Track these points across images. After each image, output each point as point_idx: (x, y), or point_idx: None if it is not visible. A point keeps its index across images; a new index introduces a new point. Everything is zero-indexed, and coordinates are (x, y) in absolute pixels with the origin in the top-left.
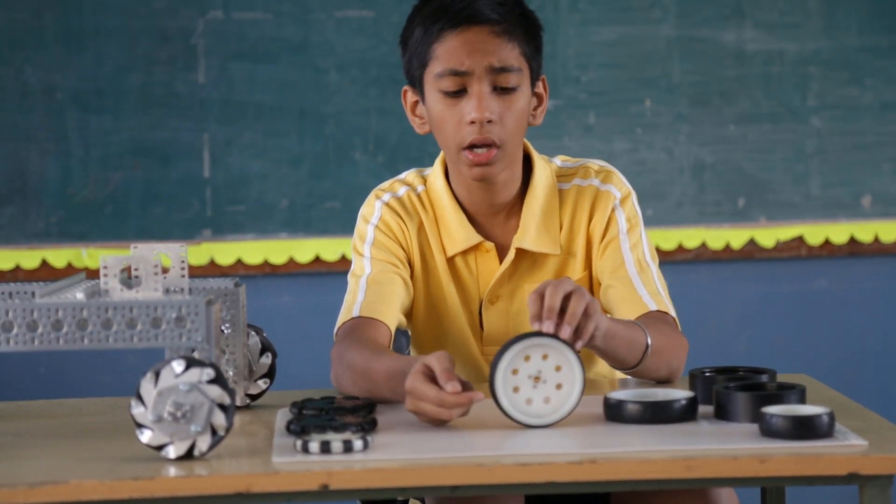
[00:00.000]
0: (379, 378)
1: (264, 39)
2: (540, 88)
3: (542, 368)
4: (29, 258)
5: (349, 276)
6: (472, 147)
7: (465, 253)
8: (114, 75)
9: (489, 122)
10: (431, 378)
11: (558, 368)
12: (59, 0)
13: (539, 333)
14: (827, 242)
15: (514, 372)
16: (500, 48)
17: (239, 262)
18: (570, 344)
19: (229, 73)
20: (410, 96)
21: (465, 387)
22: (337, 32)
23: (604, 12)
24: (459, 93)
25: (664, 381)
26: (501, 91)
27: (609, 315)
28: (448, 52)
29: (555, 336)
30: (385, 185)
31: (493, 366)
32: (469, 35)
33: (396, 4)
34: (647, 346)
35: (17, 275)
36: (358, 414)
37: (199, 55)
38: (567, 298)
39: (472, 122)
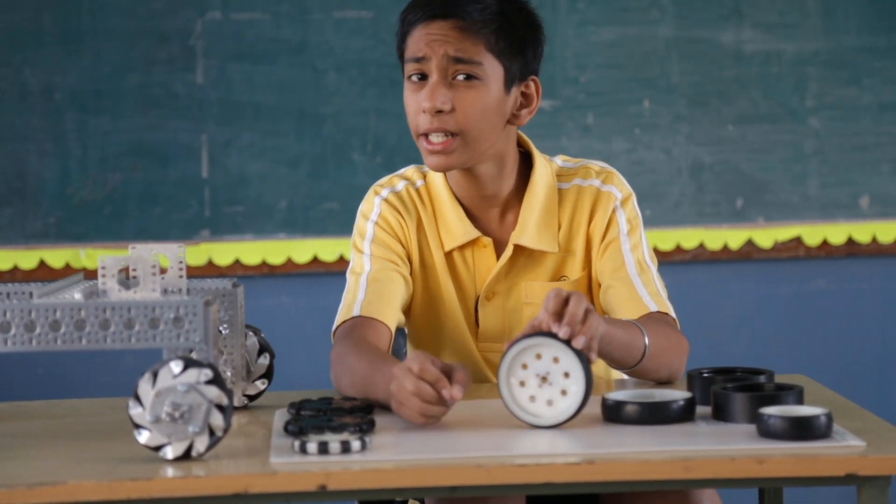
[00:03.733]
0: (379, 393)
1: (263, 40)
2: (531, 89)
3: (550, 370)
4: (27, 258)
5: (348, 274)
6: (427, 135)
7: (462, 248)
8: (112, 76)
9: (440, 111)
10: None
11: (567, 375)
12: (58, 1)
13: (553, 336)
14: (825, 243)
15: (524, 366)
16: (460, 41)
17: (237, 262)
18: (582, 353)
19: (228, 73)
20: None
21: (454, 374)
22: (335, 33)
23: (602, 13)
24: (422, 81)
25: (665, 382)
26: (461, 82)
27: (607, 315)
28: (413, 42)
29: (567, 342)
30: (383, 180)
31: (503, 356)
32: (433, 27)
33: (395, 5)
34: (645, 347)
35: (14, 275)
36: (356, 415)
37: (197, 56)
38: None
39: (425, 111)
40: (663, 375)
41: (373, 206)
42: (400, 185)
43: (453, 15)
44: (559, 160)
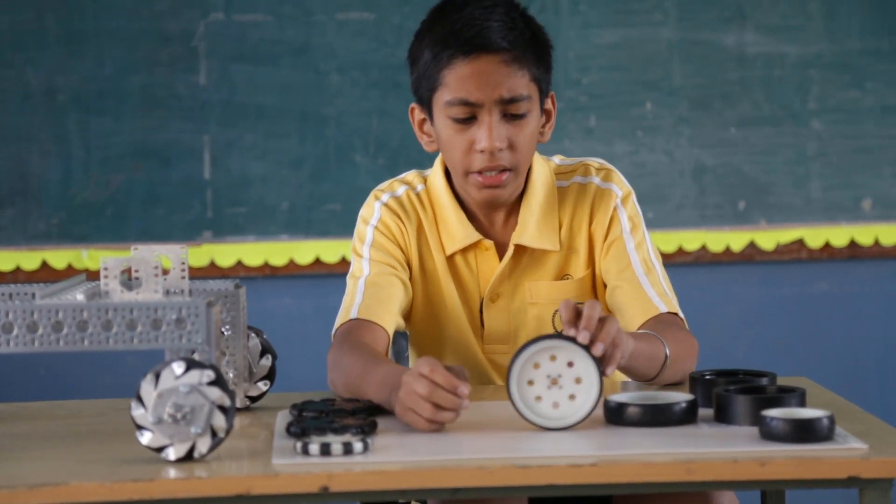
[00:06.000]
0: (371, 393)
1: (265, 41)
2: (549, 105)
3: (562, 373)
4: (29, 259)
5: (348, 278)
6: (481, 171)
7: (464, 251)
8: (115, 77)
9: (499, 150)
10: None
11: (578, 380)
12: (61, 2)
13: (573, 340)
14: (827, 245)
15: (536, 366)
16: (509, 78)
17: (239, 263)
18: (599, 362)
19: (230, 74)
20: (418, 114)
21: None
22: (338, 34)
23: (605, 15)
24: (469, 120)
25: (676, 384)
26: (512, 118)
27: (616, 316)
28: (458, 80)
29: (587, 349)
30: (384, 185)
31: (517, 353)
32: (479, 64)
33: (397, 7)
34: (667, 357)
35: (17, 276)
36: (358, 416)
37: (200, 57)
38: (600, 321)
39: (482, 151)
40: (677, 379)
41: (373, 211)
42: (401, 190)
43: (497, 47)
44: (557, 159)
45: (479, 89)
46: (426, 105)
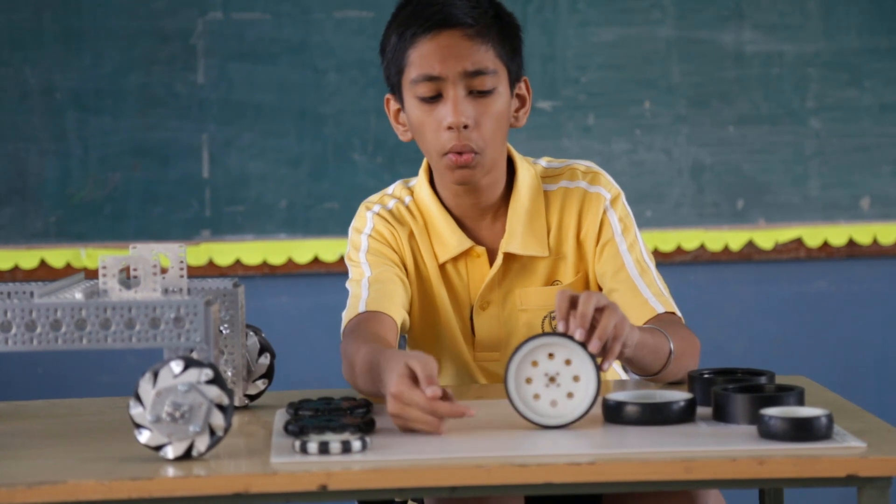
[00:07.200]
0: (361, 370)
1: (263, 40)
2: (522, 90)
3: (560, 371)
4: (28, 258)
5: (348, 284)
6: (451, 151)
7: (456, 259)
8: (113, 75)
9: (465, 126)
10: (416, 381)
11: (576, 378)
12: (59, 0)
13: (571, 338)
14: (826, 244)
15: (534, 364)
16: (473, 51)
17: (237, 262)
18: (595, 358)
19: (228, 73)
20: (393, 104)
21: (447, 396)
22: (336, 33)
23: (603, 13)
24: (436, 98)
25: (675, 383)
26: (478, 94)
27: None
28: (422, 57)
29: (583, 345)
30: (374, 198)
31: (515, 350)
32: (441, 39)
33: (395, 5)
34: (671, 352)
35: (15, 275)
36: (356, 414)
37: (198, 55)
38: (599, 311)
39: (450, 128)
40: (680, 376)
41: (366, 221)
42: (391, 204)
43: (458, 23)
44: (543, 161)
45: (441, 63)
46: (397, 91)
